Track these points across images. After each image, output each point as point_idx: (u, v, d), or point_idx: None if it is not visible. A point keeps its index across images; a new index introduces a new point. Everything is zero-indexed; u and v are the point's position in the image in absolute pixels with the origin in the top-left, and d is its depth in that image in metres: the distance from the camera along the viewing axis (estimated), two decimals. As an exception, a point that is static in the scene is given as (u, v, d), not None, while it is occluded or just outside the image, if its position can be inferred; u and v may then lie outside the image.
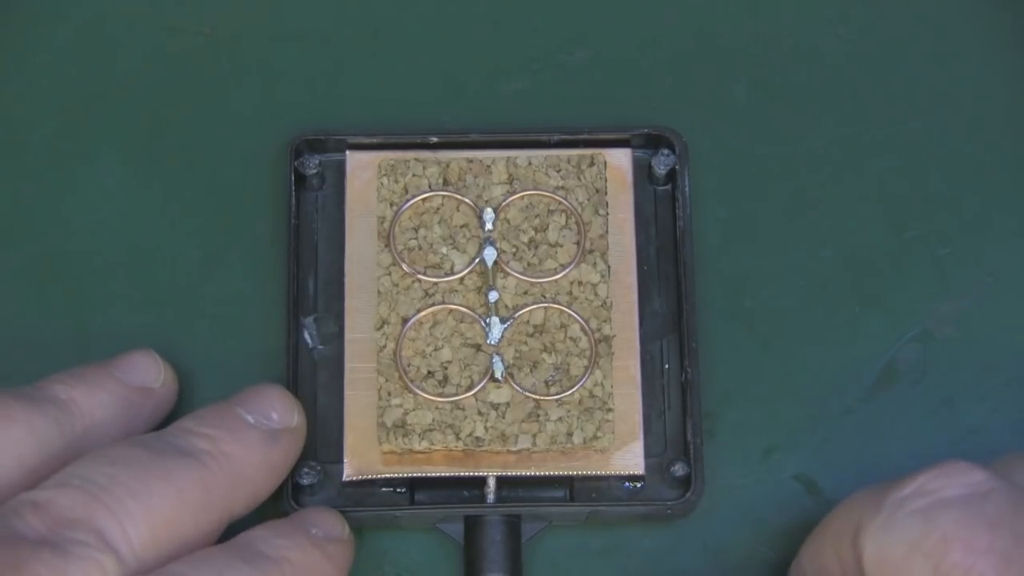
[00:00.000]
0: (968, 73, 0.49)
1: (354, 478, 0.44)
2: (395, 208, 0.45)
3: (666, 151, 0.47)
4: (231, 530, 0.41)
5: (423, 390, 0.43)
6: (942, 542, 0.37)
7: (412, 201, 0.45)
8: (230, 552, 0.39)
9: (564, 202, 0.45)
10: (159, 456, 0.40)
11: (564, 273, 0.45)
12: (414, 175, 0.46)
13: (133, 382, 0.43)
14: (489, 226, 0.45)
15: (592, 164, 0.46)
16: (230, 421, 0.42)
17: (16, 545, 0.37)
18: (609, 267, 0.45)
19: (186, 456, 0.40)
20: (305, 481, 0.44)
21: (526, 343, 0.44)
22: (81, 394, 0.42)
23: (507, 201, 0.45)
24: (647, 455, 0.44)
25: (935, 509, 0.37)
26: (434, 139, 0.46)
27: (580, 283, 0.45)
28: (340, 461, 0.44)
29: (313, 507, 0.43)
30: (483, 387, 0.43)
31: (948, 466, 0.38)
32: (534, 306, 0.44)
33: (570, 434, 0.43)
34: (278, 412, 0.42)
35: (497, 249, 0.45)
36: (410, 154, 0.46)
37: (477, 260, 0.45)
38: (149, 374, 0.43)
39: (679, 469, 0.44)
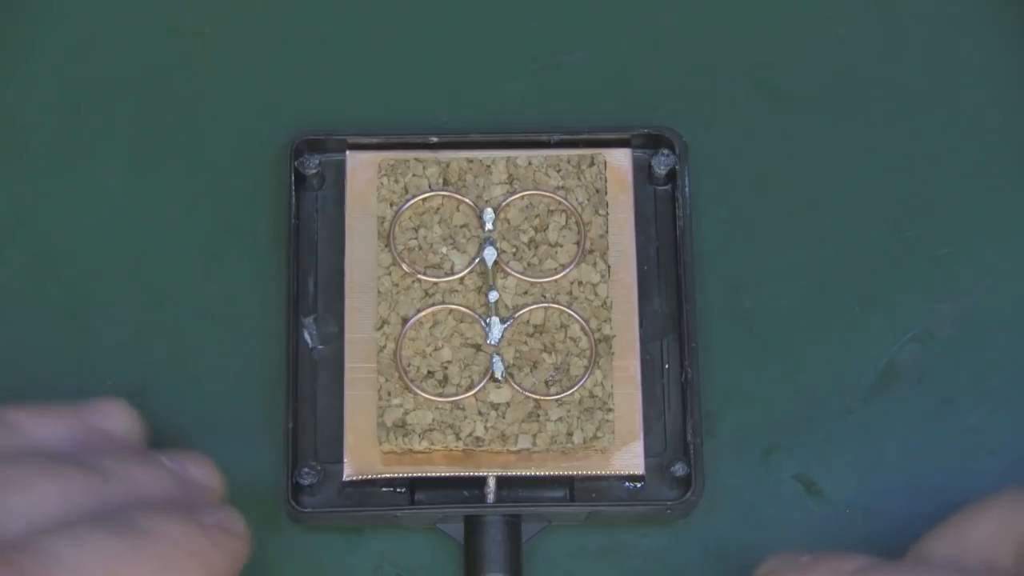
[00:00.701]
0: (968, 73, 0.49)
1: (354, 478, 0.44)
2: (395, 208, 0.45)
3: (666, 151, 0.47)
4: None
5: (423, 390, 0.43)
6: None
7: (412, 201, 0.45)
8: (97, 522, 0.37)
9: (564, 202, 0.45)
10: (56, 463, 0.38)
11: (564, 273, 0.45)
12: (414, 175, 0.46)
13: (93, 422, 0.41)
14: (489, 226, 0.45)
15: (592, 164, 0.46)
16: (145, 455, 0.40)
17: None
18: (609, 267, 0.45)
19: (87, 468, 0.38)
20: (305, 481, 0.44)
21: (526, 343, 0.44)
22: (32, 421, 0.40)
23: (507, 201, 0.45)
24: (647, 455, 0.44)
25: None
26: (434, 139, 0.46)
27: (580, 283, 0.45)
28: (340, 461, 0.44)
29: (214, 504, 0.41)
30: (483, 387, 0.43)
31: None
32: (534, 306, 0.44)
33: (570, 434, 0.43)
34: (198, 470, 0.41)
35: (497, 249, 0.45)
36: (410, 154, 0.46)
37: (477, 260, 0.45)
38: (113, 419, 0.41)
39: (679, 469, 0.44)
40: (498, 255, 0.44)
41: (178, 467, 0.41)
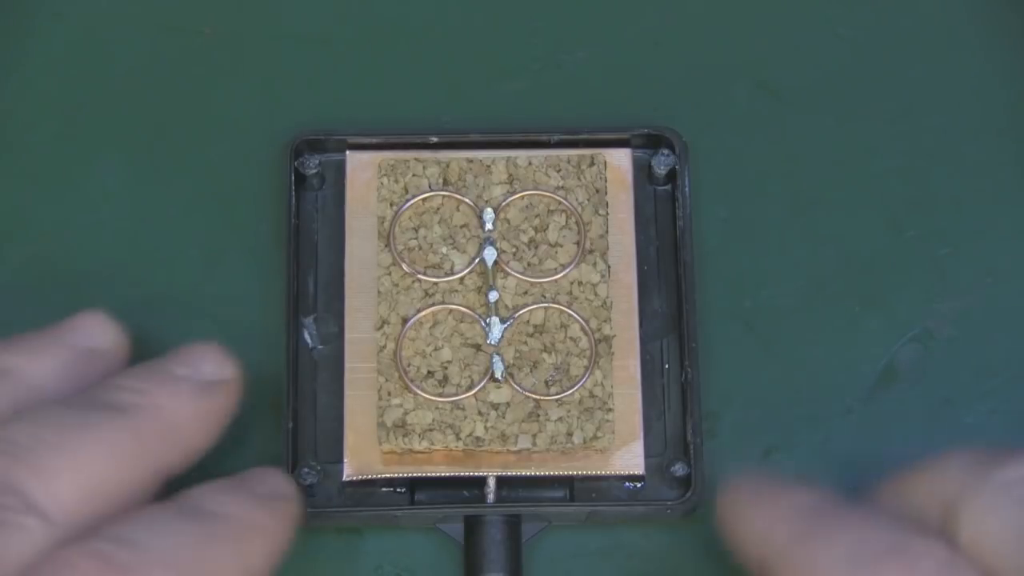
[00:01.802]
0: (968, 73, 0.49)
1: (354, 478, 0.44)
2: (395, 208, 0.45)
3: (666, 151, 0.47)
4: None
5: (423, 390, 0.43)
6: None
7: (412, 201, 0.45)
8: (168, 508, 0.38)
9: (564, 202, 0.45)
10: (85, 411, 0.38)
11: (564, 273, 0.45)
12: (414, 175, 0.46)
13: (81, 344, 0.41)
14: (489, 226, 0.45)
15: (592, 164, 0.46)
16: (160, 374, 0.40)
17: None
18: (609, 267, 0.45)
19: (114, 409, 0.38)
20: (305, 481, 0.44)
21: (526, 343, 0.44)
22: (25, 361, 0.40)
23: (507, 201, 0.45)
24: (647, 455, 0.44)
25: None
26: (434, 139, 0.46)
27: (580, 283, 0.45)
28: (340, 461, 0.44)
29: (257, 467, 0.41)
30: (483, 387, 0.43)
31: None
32: (534, 306, 0.44)
33: (570, 434, 0.43)
34: (210, 364, 0.41)
35: (497, 249, 0.45)
36: (410, 154, 0.46)
37: (477, 260, 0.45)
38: (97, 335, 0.42)
39: (679, 469, 0.44)
40: (498, 255, 0.45)
41: (192, 371, 0.41)
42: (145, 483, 0.38)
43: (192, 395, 0.40)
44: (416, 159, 0.46)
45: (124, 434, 0.38)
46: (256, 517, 0.39)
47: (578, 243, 0.45)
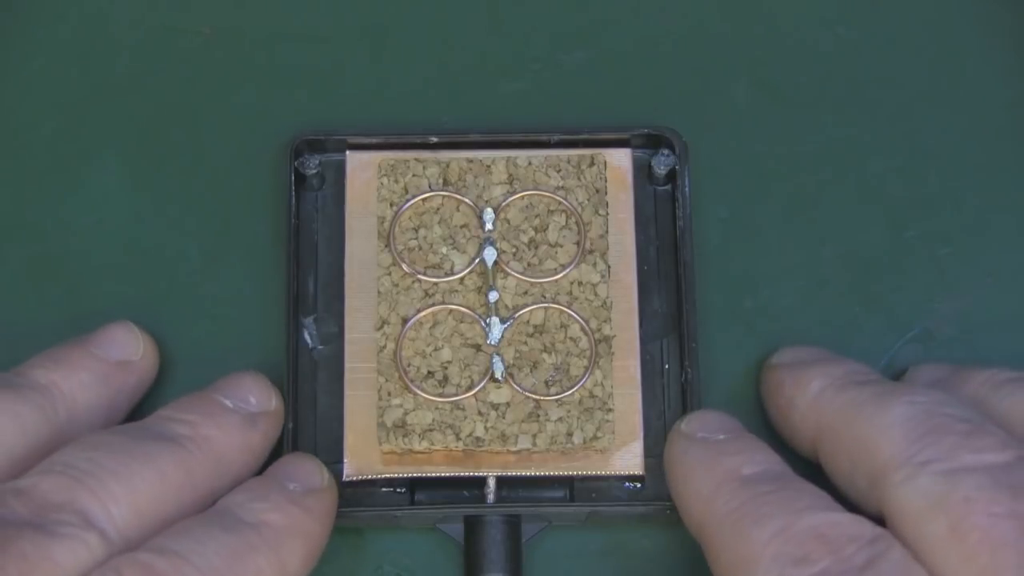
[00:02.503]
0: (968, 73, 0.49)
1: (354, 478, 0.44)
2: (395, 208, 0.45)
3: (666, 151, 0.47)
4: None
5: (423, 390, 0.43)
6: (963, 502, 0.37)
7: (412, 201, 0.45)
8: (208, 521, 0.39)
9: (564, 202, 0.45)
10: (140, 442, 0.40)
11: (564, 273, 0.45)
12: (414, 175, 0.46)
13: (112, 357, 0.43)
14: (489, 226, 0.45)
15: (592, 164, 0.46)
16: (209, 407, 0.42)
17: (1, 527, 0.37)
18: (609, 267, 0.45)
19: (167, 441, 0.41)
20: (305, 481, 0.44)
21: (526, 343, 0.44)
22: (62, 377, 0.42)
23: (507, 201, 0.45)
24: (647, 455, 0.44)
25: (959, 473, 0.38)
26: (434, 139, 0.47)
27: (580, 283, 0.45)
28: (340, 461, 0.44)
29: (289, 456, 0.43)
30: (483, 387, 0.43)
31: (976, 434, 0.38)
32: (534, 306, 0.44)
33: (570, 434, 0.43)
34: (256, 396, 0.43)
35: (497, 249, 0.45)
36: (410, 154, 0.46)
37: (477, 260, 0.45)
38: (128, 347, 0.44)
39: (679, 469, 0.44)
40: (498, 255, 0.45)
41: (240, 403, 0.43)
42: (193, 507, 0.40)
43: (239, 427, 0.42)
44: (416, 159, 0.46)
45: (175, 464, 0.40)
46: (291, 520, 0.40)
47: (578, 243, 0.45)
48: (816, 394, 0.42)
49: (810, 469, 0.42)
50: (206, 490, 0.41)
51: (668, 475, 0.43)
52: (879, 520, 0.39)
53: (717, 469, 0.41)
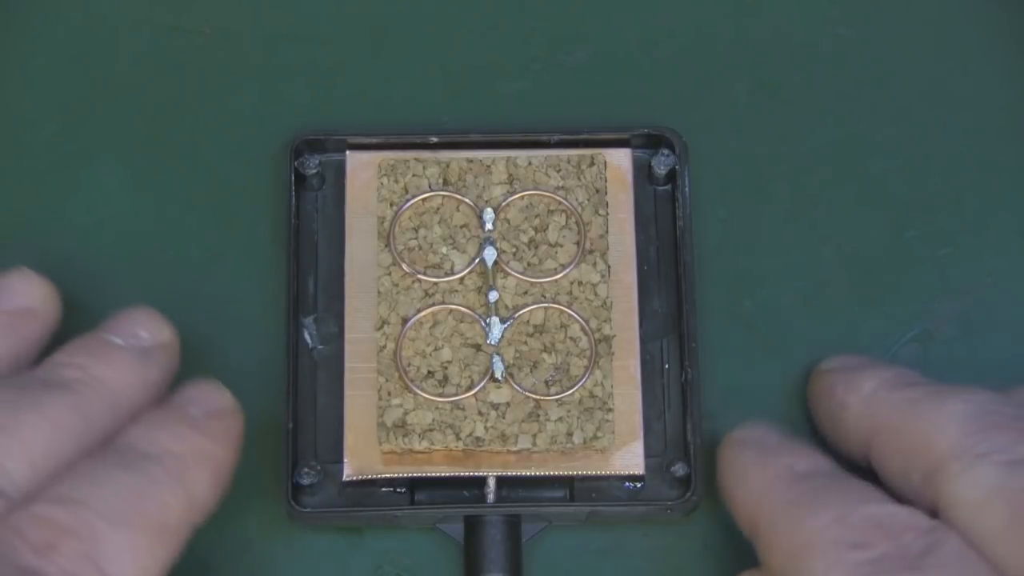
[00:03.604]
0: (968, 73, 0.49)
1: (354, 478, 0.44)
2: (395, 208, 0.45)
3: (666, 151, 0.47)
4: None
5: (423, 390, 0.43)
6: (1023, 492, 0.37)
7: (412, 201, 0.45)
8: (105, 460, 0.38)
9: (564, 202, 0.45)
10: (27, 391, 0.39)
11: (564, 273, 0.45)
12: (414, 175, 0.46)
13: (12, 306, 0.42)
14: (489, 226, 0.45)
15: (592, 164, 0.46)
16: (99, 346, 0.41)
17: None
18: (609, 267, 0.45)
19: (58, 387, 0.39)
20: (305, 481, 0.44)
21: (526, 343, 0.44)
22: None
23: (507, 201, 0.45)
24: (647, 455, 0.44)
25: (1019, 463, 0.38)
26: (434, 139, 0.46)
27: (580, 283, 0.45)
28: (340, 461, 0.44)
29: (189, 384, 0.42)
30: (483, 387, 0.43)
31: None
32: (534, 306, 0.44)
33: (570, 434, 0.43)
34: (146, 330, 0.42)
35: (497, 249, 0.45)
36: (410, 154, 0.46)
37: (477, 260, 0.45)
38: (28, 294, 0.43)
39: (679, 469, 0.44)
40: (498, 255, 0.45)
41: (131, 339, 0.42)
42: (92, 448, 0.39)
43: (132, 364, 0.41)
44: (416, 159, 0.46)
45: (68, 409, 0.39)
46: (194, 446, 0.39)
47: (578, 243, 0.45)
48: (869, 394, 0.42)
49: (859, 473, 0.42)
50: (104, 431, 0.39)
51: (721, 479, 0.42)
52: (933, 516, 0.39)
53: (770, 467, 0.41)
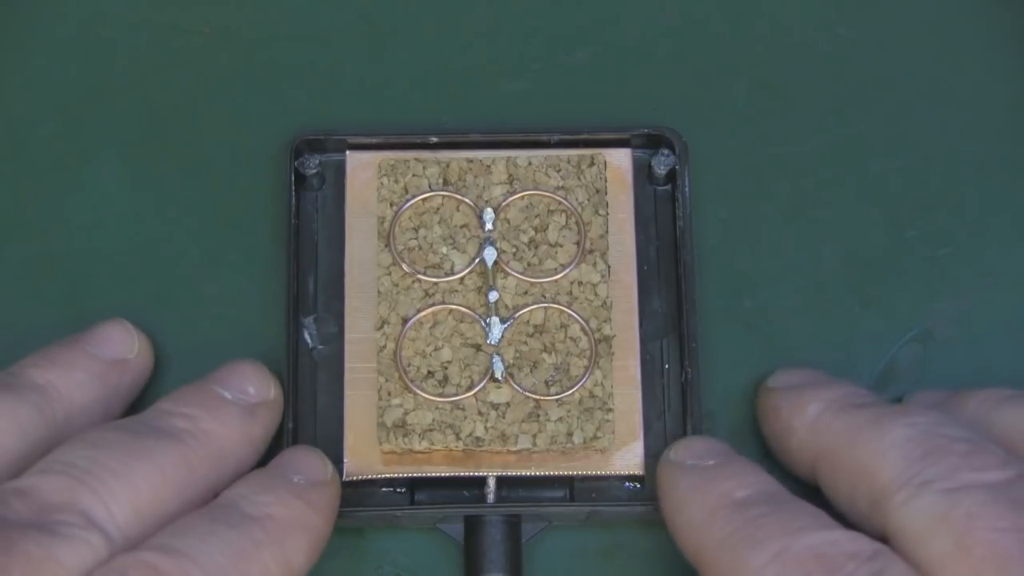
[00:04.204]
0: (968, 73, 0.49)
1: (354, 478, 0.44)
2: (395, 208, 0.45)
3: (666, 151, 0.47)
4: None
5: (423, 390, 0.43)
6: (967, 518, 0.37)
7: (412, 201, 0.45)
8: (212, 517, 0.39)
9: (564, 202, 0.45)
10: (139, 437, 0.40)
11: (564, 273, 0.45)
12: (414, 175, 0.46)
13: (108, 356, 0.43)
14: (489, 226, 0.45)
15: (592, 164, 0.46)
16: (207, 399, 0.42)
17: (3, 528, 0.37)
18: (609, 267, 0.45)
19: (166, 436, 0.40)
20: (305, 481, 0.44)
21: (526, 343, 0.44)
22: (58, 376, 0.42)
23: (507, 201, 0.45)
24: (647, 455, 0.44)
25: (961, 491, 0.38)
26: (434, 139, 0.46)
27: (580, 283, 0.45)
28: (340, 461, 0.44)
29: (293, 449, 0.43)
30: (483, 387, 0.43)
31: (976, 453, 0.39)
32: (534, 306, 0.44)
33: (570, 434, 0.43)
34: (254, 386, 0.43)
35: (497, 249, 0.45)
36: (410, 154, 0.46)
37: (477, 260, 0.45)
38: (123, 345, 0.44)
39: (679, 469, 0.44)
40: (498, 255, 0.45)
41: (239, 394, 0.43)
42: (195, 501, 0.40)
43: (239, 419, 0.42)
44: (416, 159, 0.46)
45: (176, 460, 0.40)
46: (296, 514, 0.40)
47: (578, 243, 0.45)
48: (814, 418, 0.42)
49: (807, 491, 0.42)
50: (207, 485, 0.41)
51: (662, 505, 0.42)
52: (883, 541, 0.39)
53: (709, 495, 0.41)
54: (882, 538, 0.39)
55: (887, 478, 0.39)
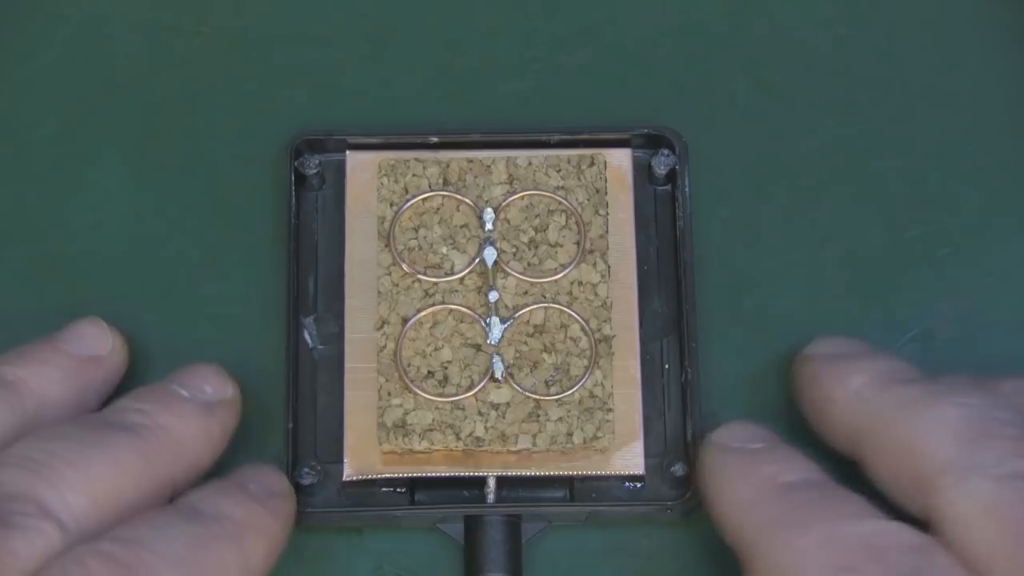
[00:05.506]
0: (968, 73, 0.49)
1: (354, 478, 0.44)
2: (395, 208, 0.45)
3: (666, 151, 0.47)
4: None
5: (423, 390, 0.43)
6: (1017, 507, 0.37)
7: (412, 201, 0.45)
8: (169, 511, 0.40)
9: (564, 202, 0.45)
10: (96, 431, 0.40)
11: (564, 273, 0.45)
12: (414, 175, 0.46)
13: (80, 352, 0.43)
14: (489, 226, 0.45)
15: (592, 164, 0.46)
16: (165, 396, 0.42)
17: None
18: (609, 267, 0.45)
19: (123, 430, 0.41)
20: (305, 481, 0.44)
21: (526, 343, 0.44)
22: (30, 373, 0.42)
23: (507, 201, 0.45)
24: (647, 455, 0.44)
25: (1012, 478, 0.37)
26: (434, 139, 0.47)
27: (580, 283, 0.45)
28: (340, 461, 0.44)
29: (249, 465, 0.43)
30: (483, 387, 0.43)
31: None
32: (534, 306, 0.44)
33: (570, 434, 0.43)
34: (212, 386, 0.43)
35: (497, 249, 0.45)
36: (410, 154, 0.46)
37: (477, 260, 0.45)
38: (97, 342, 0.44)
39: (679, 469, 0.44)
40: (498, 255, 0.45)
41: (196, 392, 0.43)
42: (152, 495, 0.40)
43: (196, 416, 0.42)
44: (416, 159, 0.46)
45: (132, 452, 0.40)
46: (253, 516, 0.40)
47: (578, 243, 0.45)
48: (857, 390, 0.41)
49: (844, 466, 0.42)
50: (164, 478, 0.41)
51: (704, 487, 0.42)
52: (922, 522, 0.38)
53: (755, 477, 0.40)
54: (924, 518, 0.38)
55: (935, 459, 0.38)
